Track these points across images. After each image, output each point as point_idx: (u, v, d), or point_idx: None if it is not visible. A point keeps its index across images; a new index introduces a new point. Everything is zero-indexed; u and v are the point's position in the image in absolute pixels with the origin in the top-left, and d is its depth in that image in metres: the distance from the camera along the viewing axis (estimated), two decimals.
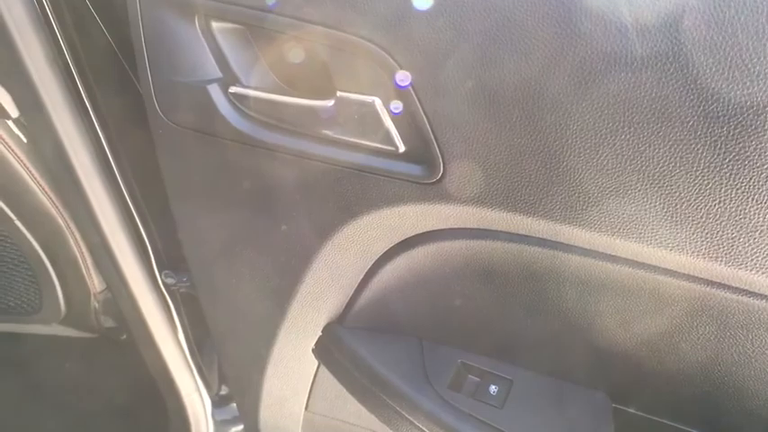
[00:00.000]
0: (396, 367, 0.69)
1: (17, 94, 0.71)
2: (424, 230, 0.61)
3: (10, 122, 0.87)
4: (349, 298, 0.72)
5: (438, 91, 0.51)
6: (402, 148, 0.57)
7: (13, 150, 0.89)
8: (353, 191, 0.60)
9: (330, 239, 0.65)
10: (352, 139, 0.58)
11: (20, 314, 1.19)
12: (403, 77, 0.51)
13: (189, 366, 1.00)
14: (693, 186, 0.47)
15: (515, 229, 0.56)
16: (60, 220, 0.99)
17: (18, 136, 0.90)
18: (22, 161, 0.90)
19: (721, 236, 0.48)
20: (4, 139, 0.88)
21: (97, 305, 1.16)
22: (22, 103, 0.73)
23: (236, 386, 0.96)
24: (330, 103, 0.55)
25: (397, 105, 0.54)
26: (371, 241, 0.64)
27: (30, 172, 0.91)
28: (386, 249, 0.65)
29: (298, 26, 0.53)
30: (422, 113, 0.53)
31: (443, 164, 0.55)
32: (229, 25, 0.56)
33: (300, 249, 0.68)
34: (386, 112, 0.55)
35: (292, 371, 0.83)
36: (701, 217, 0.48)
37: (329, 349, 0.74)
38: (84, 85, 0.71)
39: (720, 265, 0.49)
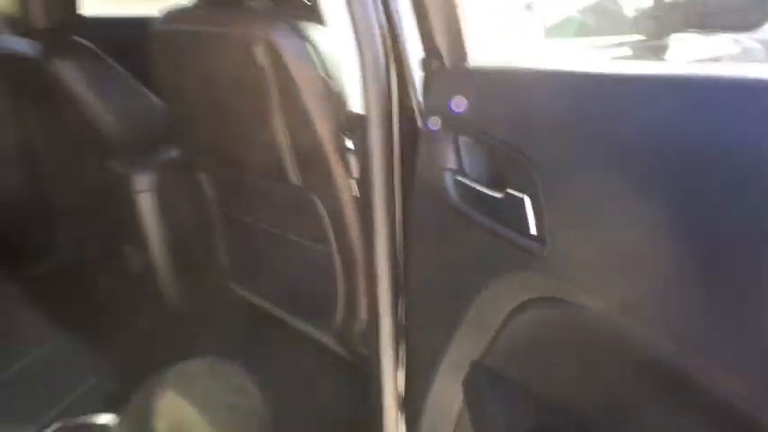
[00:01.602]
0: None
1: None
2: (535, 296, 0.70)
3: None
4: (489, 342, 0.79)
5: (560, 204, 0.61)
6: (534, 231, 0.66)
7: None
8: (499, 255, 0.72)
9: (480, 292, 0.76)
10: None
11: (311, 317, 1.42)
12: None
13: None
14: None
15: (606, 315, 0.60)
16: (357, 253, 1.23)
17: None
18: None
19: None
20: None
21: (360, 331, 1.34)
22: None
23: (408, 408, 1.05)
24: (499, 195, 0.70)
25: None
26: (504, 298, 0.74)
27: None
28: (513, 307, 0.73)
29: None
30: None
31: (550, 243, 0.63)
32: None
33: (465, 292, 0.79)
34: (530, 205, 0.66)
35: (445, 401, 0.90)
36: None
37: (470, 383, 0.83)
38: None
39: None
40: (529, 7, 1.08)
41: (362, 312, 1.33)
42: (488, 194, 0.71)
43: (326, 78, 1.12)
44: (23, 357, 1.10)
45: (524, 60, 0.75)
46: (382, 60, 0.84)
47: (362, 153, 0.91)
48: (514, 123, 0.68)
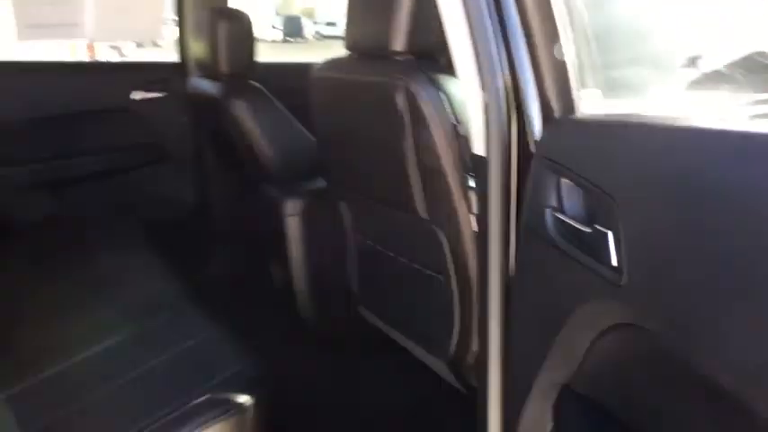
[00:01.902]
0: None
1: None
2: (614, 323, 0.75)
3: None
4: (577, 366, 0.84)
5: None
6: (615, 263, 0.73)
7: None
8: (585, 284, 0.79)
9: (569, 318, 0.82)
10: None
11: (428, 344, 1.52)
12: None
13: None
14: None
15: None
16: (473, 285, 1.32)
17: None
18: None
19: None
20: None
21: (472, 362, 1.42)
22: None
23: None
24: (588, 230, 0.78)
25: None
26: (589, 325, 0.80)
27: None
28: (597, 332, 0.79)
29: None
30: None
31: (627, 274, 0.69)
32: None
33: (556, 319, 0.87)
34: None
35: (537, 424, 0.97)
36: None
37: (559, 407, 0.89)
38: None
39: None
40: (693, 62, 1.11)
41: (475, 344, 1.40)
42: (579, 229, 0.78)
43: (456, 123, 1.24)
44: (182, 344, 1.31)
45: (626, 113, 0.82)
46: (504, 110, 0.94)
47: (482, 191, 1.02)
48: (605, 169, 0.75)
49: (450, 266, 1.37)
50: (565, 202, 0.83)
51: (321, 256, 1.94)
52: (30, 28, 2.29)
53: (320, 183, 1.90)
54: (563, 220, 0.82)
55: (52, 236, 2.13)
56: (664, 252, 0.65)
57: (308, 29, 17.60)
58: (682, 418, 0.66)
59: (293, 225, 1.91)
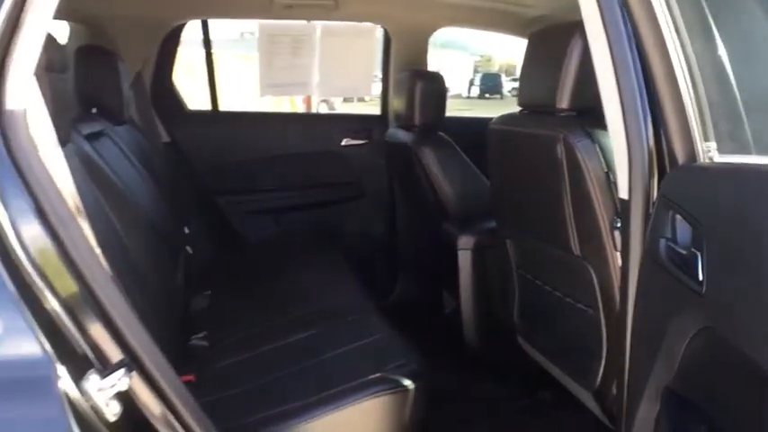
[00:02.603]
0: None
1: None
2: (700, 327, 0.89)
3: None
4: (677, 368, 0.97)
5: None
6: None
7: None
8: (682, 296, 0.94)
9: (668, 327, 0.97)
10: None
11: (576, 375, 1.66)
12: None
13: None
14: None
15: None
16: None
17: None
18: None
19: None
20: None
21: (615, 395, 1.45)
22: None
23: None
24: (684, 252, 0.94)
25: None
26: (683, 330, 0.94)
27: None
28: (689, 337, 0.92)
29: None
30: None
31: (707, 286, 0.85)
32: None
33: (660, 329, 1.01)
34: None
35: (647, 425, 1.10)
36: None
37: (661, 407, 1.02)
38: None
39: None
40: None
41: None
42: (680, 252, 0.93)
43: (607, 171, 1.41)
44: (363, 339, 1.61)
45: (731, 162, 0.96)
46: (647, 161, 1.12)
47: (625, 230, 1.19)
48: (703, 206, 0.91)
49: (599, 300, 1.51)
50: (676, 233, 0.98)
51: (488, 288, 2.16)
52: (269, 86, 2.90)
53: (492, 223, 2.13)
54: (671, 246, 0.97)
55: (270, 251, 2.64)
56: (740, 270, 0.79)
57: (507, 85, 18.03)
58: (746, 407, 0.78)
59: (465, 258, 2.16)
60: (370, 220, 3.01)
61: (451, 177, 2.36)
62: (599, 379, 1.55)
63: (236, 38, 8.38)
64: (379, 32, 2.94)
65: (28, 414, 0.84)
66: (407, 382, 1.36)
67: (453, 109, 2.56)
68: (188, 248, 2.39)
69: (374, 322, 1.74)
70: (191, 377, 1.44)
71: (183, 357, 1.64)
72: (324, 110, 8.36)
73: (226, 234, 2.87)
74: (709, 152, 1.01)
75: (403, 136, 2.54)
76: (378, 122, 3.01)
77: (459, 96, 15.33)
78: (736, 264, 0.79)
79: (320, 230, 2.80)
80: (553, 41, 1.58)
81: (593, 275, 1.51)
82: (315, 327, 1.76)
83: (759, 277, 0.73)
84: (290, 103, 7.55)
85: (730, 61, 1.05)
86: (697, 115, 1.02)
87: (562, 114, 1.54)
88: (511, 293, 2.01)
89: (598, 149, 1.43)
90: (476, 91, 18.94)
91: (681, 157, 1.03)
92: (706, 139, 1.01)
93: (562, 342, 1.75)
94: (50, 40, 1.17)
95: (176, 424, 0.98)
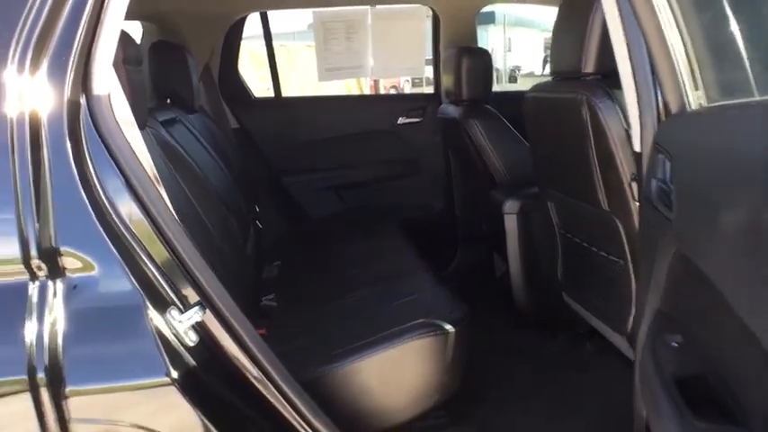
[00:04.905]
0: None
1: None
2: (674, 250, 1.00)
3: None
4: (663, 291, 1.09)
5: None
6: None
7: None
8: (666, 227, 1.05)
9: (655, 255, 1.09)
10: None
11: (611, 322, 1.78)
12: None
13: None
14: None
15: None
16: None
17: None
18: None
19: None
20: None
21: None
22: None
23: None
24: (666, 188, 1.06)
25: None
26: (665, 255, 1.05)
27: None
28: (669, 261, 1.03)
29: None
30: None
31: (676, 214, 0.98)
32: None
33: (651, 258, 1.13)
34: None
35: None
36: None
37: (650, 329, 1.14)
38: None
39: None
40: None
41: None
42: (663, 187, 1.04)
43: (626, 128, 1.51)
44: (416, 294, 1.78)
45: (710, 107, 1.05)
46: (656, 115, 1.22)
47: (639, 181, 1.29)
48: (676, 145, 1.02)
49: (627, 250, 1.61)
50: (666, 175, 1.08)
51: (534, 249, 2.27)
52: (327, 71, 3.09)
53: (536, 189, 2.24)
54: (660, 186, 1.08)
55: (333, 225, 2.86)
56: (703, 200, 0.90)
57: None
58: (705, 313, 0.89)
59: (511, 223, 2.29)
60: (427, 194, 3.16)
61: (498, 147, 2.48)
62: (630, 323, 1.65)
63: (303, 29, 8.67)
64: (427, 13, 3.07)
65: (125, 336, 1.08)
66: (448, 327, 1.51)
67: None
68: (258, 224, 2.63)
69: (426, 279, 1.90)
70: (263, 330, 1.67)
71: (256, 315, 1.87)
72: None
73: (293, 210, 3.12)
74: (699, 100, 1.10)
75: (452, 111, 2.68)
76: (431, 100, 3.15)
77: (531, 74, 14.87)
78: (694, 192, 0.90)
79: (380, 206, 2.99)
80: (578, 8, 1.67)
81: (621, 227, 1.61)
82: (371, 288, 1.94)
83: (708, 201, 0.84)
84: (357, 88, 7.80)
85: (717, 17, 1.13)
86: (687, 67, 1.11)
87: (588, 78, 1.64)
88: (555, 253, 2.12)
89: (618, 109, 1.52)
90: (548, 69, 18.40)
91: (673, 107, 1.13)
92: (696, 89, 1.11)
93: (600, 294, 1.85)
94: (125, 35, 1.35)
95: (242, 356, 1.18)
